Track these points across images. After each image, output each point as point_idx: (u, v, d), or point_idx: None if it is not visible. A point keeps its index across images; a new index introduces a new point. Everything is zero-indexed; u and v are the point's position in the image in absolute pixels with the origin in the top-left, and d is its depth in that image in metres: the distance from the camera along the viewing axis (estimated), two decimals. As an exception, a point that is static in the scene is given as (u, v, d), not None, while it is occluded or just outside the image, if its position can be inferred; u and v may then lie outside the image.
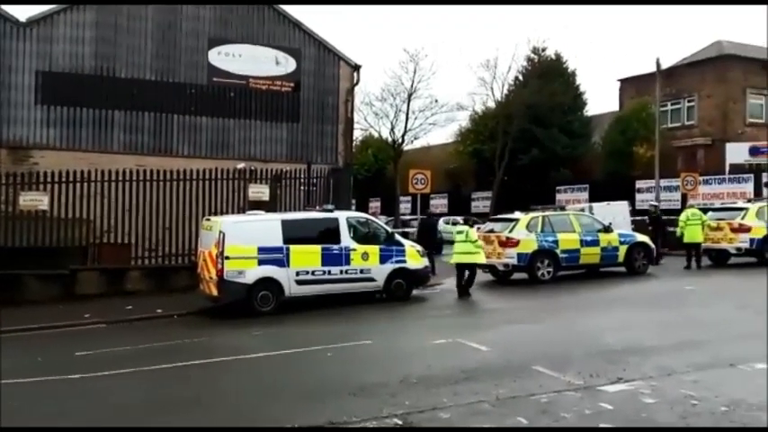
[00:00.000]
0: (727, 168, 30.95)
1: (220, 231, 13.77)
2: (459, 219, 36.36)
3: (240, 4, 21.54)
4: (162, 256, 17.87)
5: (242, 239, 13.86)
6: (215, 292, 13.89)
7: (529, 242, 17.20)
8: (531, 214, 18.00)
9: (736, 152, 31.51)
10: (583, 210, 22.56)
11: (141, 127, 20.55)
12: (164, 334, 12.30)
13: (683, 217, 19.82)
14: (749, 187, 28.26)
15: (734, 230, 19.13)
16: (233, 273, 13.66)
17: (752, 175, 28.91)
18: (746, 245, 18.98)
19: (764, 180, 27.19)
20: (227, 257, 13.63)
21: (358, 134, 40.68)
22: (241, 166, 19.09)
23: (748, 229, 18.93)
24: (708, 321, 11.36)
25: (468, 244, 15.64)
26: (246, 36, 21.61)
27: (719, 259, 19.91)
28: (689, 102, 37.36)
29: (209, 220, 15.05)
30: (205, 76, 21.13)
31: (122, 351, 10.77)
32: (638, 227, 22.18)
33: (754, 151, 31.27)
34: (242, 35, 21.56)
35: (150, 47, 20.60)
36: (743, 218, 19.21)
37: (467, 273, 15.74)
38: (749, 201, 21.83)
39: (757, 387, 7.10)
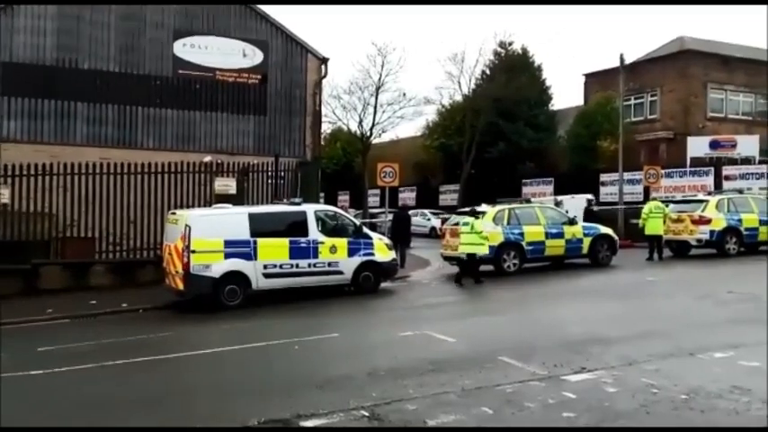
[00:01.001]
0: (689, 162, 31.53)
1: (186, 225, 13.66)
2: (428, 212, 36.83)
3: (208, 4, 21.25)
4: (127, 250, 17.66)
5: (208, 233, 13.76)
6: (181, 287, 13.78)
7: (495, 235, 17.37)
8: (498, 207, 18.18)
9: (697, 146, 32.10)
10: (558, 203, 22.83)
11: (105, 119, 20.20)
12: (129, 329, 12.17)
13: (645, 209, 20.19)
14: (709, 180, 28.86)
15: (694, 222, 19.57)
16: (199, 266, 13.57)
17: (712, 169, 29.52)
18: (707, 236, 19.44)
19: None
20: (194, 251, 13.53)
21: (326, 127, 40.56)
22: (207, 159, 18.91)
23: (708, 221, 19.38)
24: (668, 312, 11.63)
25: (473, 235, 16.01)
26: (213, 28, 21.35)
27: (681, 251, 20.36)
28: (651, 96, 38.00)
29: (174, 213, 14.91)
30: (170, 67, 20.84)
31: (86, 346, 10.64)
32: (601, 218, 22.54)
33: (714, 145, 31.88)
34: (208, 27, 21.30)
35: (114, 38, 20.23)
36: (703, 210, 19.66)
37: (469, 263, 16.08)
38: (709, 193, 22.31)
39: (715, 375, 7.30)
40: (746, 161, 30.43)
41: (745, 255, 19.28)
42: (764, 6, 32.47)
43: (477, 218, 16.47)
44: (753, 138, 32.20)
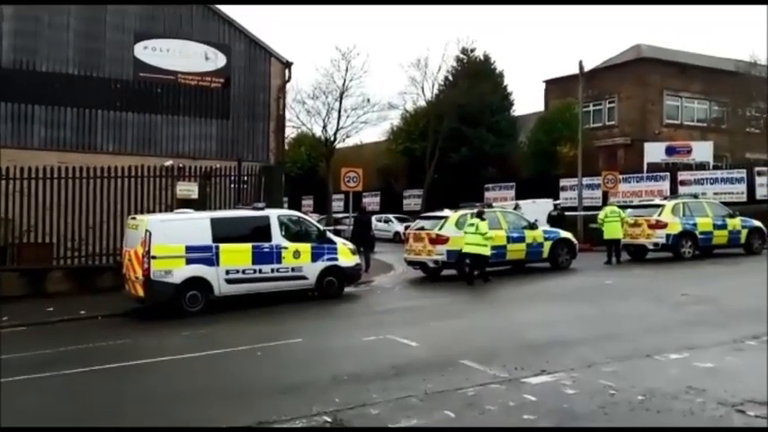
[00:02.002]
0: (646, 167, 32.22)
1: (146, 230, 13.49)
2: (392, 216, 36.94)
3: (172, 4, 21.02)
4: (85, 255, 17.36)
5: (169, 238, 13.61)
6: (141, 293, 13.60)
7: (458, 239, 17.52)
8: (460, 212, 18.35)
9: (654, 152, 32.83)
10: (516, 207, 23.08)
11: (63, 122, 19.82)
12: (87, 336, 11.94)
13: (601, 214, 20.59)
14: (666, 185, 29.54)
15: (651, 227, 20.02)
16: (160, 272, 13.41)
17: (668, 174, 30.24)
18: (663, 240, 19.91)
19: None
20: (154, 257, 13.37)
21: (290, 132, 40.43)
22: (169, 163, 18.72)
23: (664, 225, 19.86)
24: (626, 314, 11.86)
25: (477, 236, 16.37)
26: (174, 31, 21.13)
27: (638, 254, 20.79)
28: (610, 103, 38.74)
29: (134, 218, 14.72)
30: (131, 70, 20.56)
31: (43, 355, 10.42)
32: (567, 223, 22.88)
33: (670, 151, 32.68)
34: (170, 30, 21.07)
35: (73, 40, 19.86)
36: (659, 215, 20.13)
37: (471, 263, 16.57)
38: (665, 198, 22.84)
39: (671, 376, 7.47)
40: (701, 167, 31.23)
41: (700, 258, 19.79)
42: (764, 6, 33.30)
43: (482, 219, 16.69)
44: (707, 144, 33.09)
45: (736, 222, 20.57)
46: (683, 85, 37.84)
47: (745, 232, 20.58)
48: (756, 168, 29.06)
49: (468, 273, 16.68)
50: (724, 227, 20.39)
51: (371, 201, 44.57)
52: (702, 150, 32.32)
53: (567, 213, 25.74)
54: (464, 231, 16.84)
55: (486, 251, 16.52)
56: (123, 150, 20.09)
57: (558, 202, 25.85)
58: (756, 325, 9.88)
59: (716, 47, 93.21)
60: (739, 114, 34.83)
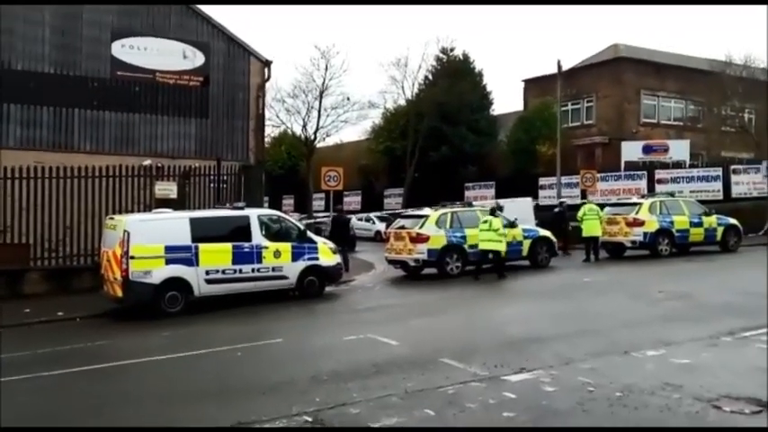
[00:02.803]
0: (623, 165, 32.55)
1: (125, 230, 13.38)
2: (372, 216, 36.94)
3: (150, 4, 20.83)
4: (63, 256, 17.15)
5: (148, 238, 13.51)
6: (120, 294, 13.49)
7: (438, 238, 17.60)
8: (441, 210, 18.41)
9: (631, 150, 33.18)
10: (501, 207, 23.17)
11: (40, 122, 19.55)
12: (65, 338, 11.82)
13: (580, 213, 20.80)
14: (643, 183, 29.87)
15: (629, 224, 20.25)
16: (139, 273, 13.31)
17: (645, 172, 30.59)
18: (640, 238, 20.15)
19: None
20: (133, 257, 13.27)
21: (270, 131, 40.30)
22: (147, 162, 18.56)
23: (642, 224, 20.09)
24: (604, 311, 11.99)
25: (491, 233, 16.77)
26: (152, 29, 20.94)
27: (616, 252, 21.02)
28: (588, 102, 39.07)
29: (112, 218, 14.59)
30: (108, 69, 20.33)
31: (20, 357, 10.30)
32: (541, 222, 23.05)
33: (647, 150, 33.05)
34: (148, 28, 20.87)
35: (49, 38, 19.59)
36: (637, 213, 20.36)
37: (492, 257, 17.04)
38: (643, 196, 23.09)
39: (648, 372, 7.56)
40: (678, 165, 31.65)
41: (677, 255, 20.05)
42: (764, 6, 33.66)
43: (495, 216, 17.12)
44: (684, 142, 33.52)
45: (712, 220, 20.86)
46: (660, 85, 38.25)
47: (720, 230, 20.88)
48: (732, 167, 29.51)
49: (476, 268, 17.14)
50: (700, 225, 20.67)
51: (352, 200, 44.56)
52: (679, 149, 32.74)
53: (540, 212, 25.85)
54: (479, 229, 17.19)
55: (502, 246, 16.95)
56: (101, 150, 19.88)
57: (562, 199, 25.91)
58: (731, 321, 10.05)
59: (691, 46, 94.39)
60: (715, 113, 35.29)
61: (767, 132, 27.06)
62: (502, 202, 24.60)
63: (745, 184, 28.54)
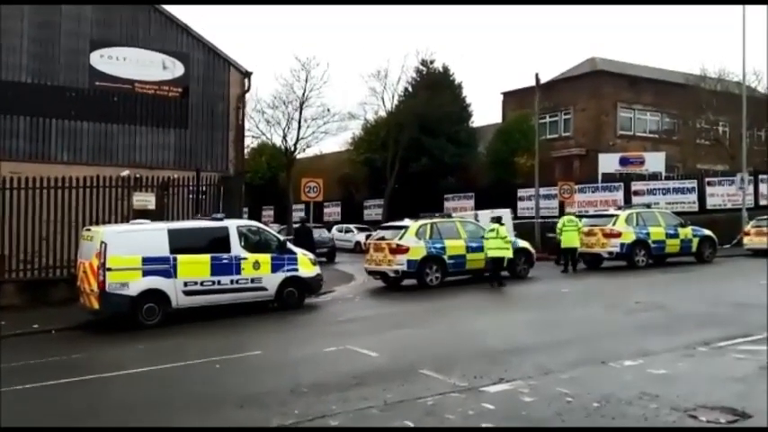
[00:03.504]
0: (600, 177, 32.90)
1: (102, 242, 13.26)
2: (352, 227, 36.93)
3: (127, 4, 20.72)
4: (39, 268, 16.90)
5: (125, 250, 13.39)
6: (96, 306, 13.34)
7: (418, 249, 17.65)
8: (420, 222, 18.47)
9: (608, 162, 33.56)
10: (476, 217, 23.36)
11: (16, 132, 19.31)
12: (40, 350, 11.64)
13: (559, 224, 20.97)
14: (620, 195, 30.23)
15: (606, 236, 20.45)
16: (116, 285, 13.18)
17: (622, 184, 30.95)
18: (617, 249, 20.38)
19: None
20: (110, 269, 13.15)
21: (250, 141, 40.14)
22: (125, 173, 18.40)
23: (619, 235, 20.31)
24: (582, 322, 12.08)
25: (498, 240, 17.38)
26: (131, 39, 20.82)
27: (593, 263, 21.20)
28: (565, 114, 39.52)
29: (89, 230, 14.44)
30: (87, 79, 20.17)
31: (-8, 370, 10.12)
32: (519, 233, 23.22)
33: (623, 162, 33.45)
34: (126, 38, 20.76)
35: (27, 47, 19.41)
36: (614, 224, 20.58)
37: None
38: (620, 208, 23.35)
39: (626, 382, 7.61)
40: (654, 177, 32.07)
41: (653, 266, 20.29)
42: (765, 6, 34.07)
43: (501, 224, 17.95)
44: (659, 154, 33.98)
45: (687, 231, 21.15)
46: (636, 98, 38.80)
47: (696, 241, 21.17)
48: (707, 179, 29.97)
49: (496, 274, 17.58)
50: (676, 236, 20.95)
51: (332, 210, 44.53)
52: (655, 161, 33.18)
53: (519, 222, 25.96)
54: (485, 237, 17.80)
55: (510, 253, 17.69)
56: (78, 160, 19.66)
57: (573, 210, 25.96)
58: (707, 331, 10.16)
59: (667, 60, 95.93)
60: (690, 126, 35.86)
61: (741, 145, 27.50)
62: (481, 213, 24.80)
63: (720, 195, 29.04)
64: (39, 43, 19.59)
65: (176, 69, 21.44)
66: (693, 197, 29.29)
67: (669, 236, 20.86)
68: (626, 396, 7.07)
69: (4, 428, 6.62)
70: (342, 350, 10.28)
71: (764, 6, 32.94)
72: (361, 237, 33.37)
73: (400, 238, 17.87)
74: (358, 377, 8.37)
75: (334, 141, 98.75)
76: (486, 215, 23.99)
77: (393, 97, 40.50)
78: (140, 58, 20.85)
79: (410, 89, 41.14)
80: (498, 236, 17.37)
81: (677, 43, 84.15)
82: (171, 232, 13.99)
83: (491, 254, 17.52)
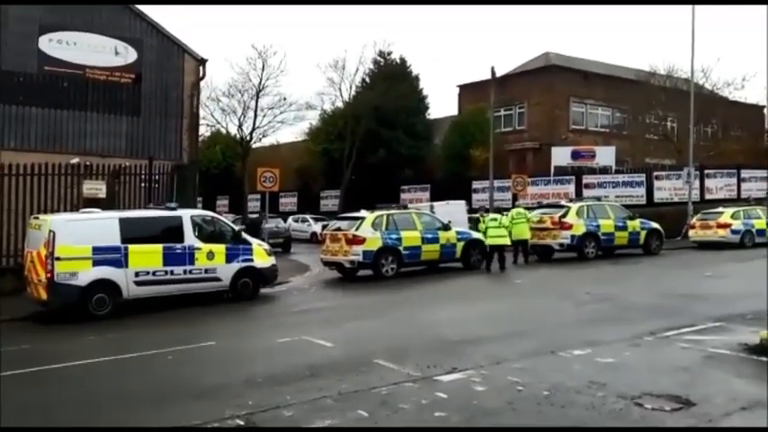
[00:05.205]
0: (553, 170, 33.44)
1: (50, 230, 12.96)
2: (308, 217, 36.77)
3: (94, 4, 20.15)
4: (-17, 257, 16.42)
5: (75, 239, 13.12)
6: (44, 296, 13.05)
7: (374, 240, 17.70)
8: (377, 213, 18.53)
9: (561, 156, 34.13)
10: (431, 208, 23.53)
11: (-40, 117, 18.66)
12: (-16, 342, 11.32)
13: (508, 217, 21.23)
14: (571, 188, 30.80)
15: (554, 223, 20.94)
16: (64, 275, 12.91)
17: (573, 177, 31.54)
18: (568, 241, 20.81)
19: None
20: (58, 258, 12.87)
21: (205, 130, 39.60)
22: (75, 160, 17.97)
23: (570, 227, 20.72)
24: (533, 312, 12.35)
25: (501, 229, 18.83)
26: (82, 24, 20.24)
27: (545, 254, 21.60)
28: (520, 108, 39.99)
29: (37, 218, 14.10)
30: (35, 63, 19.54)
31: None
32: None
33: (575, 155, 34.06)
34: (77, 23, 20.16)
35: (-29, 30, 18.72)
36: (565, 216, 20.98)
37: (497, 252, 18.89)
38: (571, 200, 23.82)
39: (575, 372, 7.80)
40: (604, 170, 32.77)
41: (603, 258, 20.77)
42: (764, 6, 34.66)
43: (502, 215, 19.39)
44: (610, 149, 34.70)
45: (635, 224, 21.71)
46: (588, 93, 39.47)
47: (644, 233, 21.74)
48: (655, 173, 30.75)
49: (489, 261, 18.77)
50: (625, 228, 21.48)
51: (288, 201, 44.26)
52: (605, 155, 33.88)
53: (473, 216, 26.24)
54: (486, 227, 19.09)
55: (508, 241, 19.04)
56: (26, 147, 19.07)
57: (526, 203, 26.40)
58: (654, 321, 10.48)
59: (618, 56, 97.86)
60: (639, 121, 36.68)
61: (688, 140, 28.30)
62: (436, 204, 24.98)
63: (667, 189, 29.84)
64: (-16, 26, 18.89)
65: (129, 55, 20.96)
66: (642, 191, 30.03)
67: (618, 228, 21.38)
68: (575, 385, 7.23)
69: (3, 428, 6.44)
70: (297, 341, 10.27)
71: (764, 6, 33.66)
72: (317, 227, 33.27)
73: (356, 229, 17.89)
74: (313, 368, 8.38)
75: (290, 131, 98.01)
76: (441, 206, 24.19)
77: (351, 88, 40.50)
78: (92, 43, 20.31)
79: (368, 80, 41.11)
80: (500, 225, 18.79)
81: (629, 40, 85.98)
82: (122, 221, 13.75)
83: (490, 242, 18.76)
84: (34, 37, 19.50)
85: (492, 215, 19.51)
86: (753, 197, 28.22)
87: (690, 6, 27.13)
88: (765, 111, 41.56)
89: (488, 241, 18.91)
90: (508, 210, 22.38)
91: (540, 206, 24.09)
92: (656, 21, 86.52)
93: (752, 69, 73.06)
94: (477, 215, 21.33)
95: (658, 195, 29.82)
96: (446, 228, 19.03)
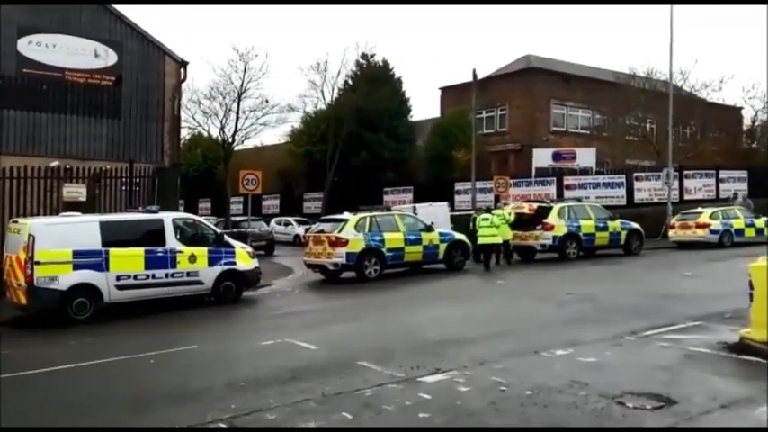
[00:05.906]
0: (534, 172, 33.63)
1: (30, 234, 12.82)
2: (291, 219, 36.67)
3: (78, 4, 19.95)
4: (-39, 262, 16.18)
5: (55, 243, 12.99)
6: (24, 301, 12.92)
7: (357, 242, 17.71)
8: (360, 215, 18.54)
9: (542, 157, 34.33)
10: (414, 210, 23.57)
11: (-64, 120, 18.40)
12: (-38, 348, 11.16)
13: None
14: (553, 189, 31.00)
15: (531, 212, 21.31)
16: (44, 279, 12.79)
17: (555, 178, 31.75)
18: (550, 242, 20.97)
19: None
20: (38, 262, 12.74)
21: (186, 133, 39.32)
22: (55, 164, 17.82)
23: (551, 228, 20.90)
24: (516, 313, 12.40)
25: (492, 228, 19.27)
26: (62, 26, 20.04)
27: (527, 255, 21.73)
28: (501, 110, 40.19)
29: (16, 222, 13.96)
30: (14, 66, 19.31)
31: None
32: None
33: (556, 157, 34.27)
34: (57, 25, 19.97)
35: (-53, 32, 18.47)
36: (546, 217, 21.11)
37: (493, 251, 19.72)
38: (552, 201, 23.98)
39: (557, 371, 7.85)
40: (585, 172, 32.99)
41: (584, 258, 20.94)
42: (764, 6, 34.97)
43: (492, 215, 19.78)
44: (590, 150, 34.96)
45: (616, 225, 21.91)
46: (569, 95, 39.75)
47: (624, 234, 21.95)
48: (635, 174, 31.03)
49: (487, 261, 19.21)
50: (605, 229, 21.68)
51: (271, 203, 44.09)
52: (586, 156, 34.12)
53: (456, 214, 26.42)
54: (478, 226, 19.46)
55: (499, 240, 19.53)
56: (5, 150, 18.84)
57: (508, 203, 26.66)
58: (634, 321, 10.57)
59: (598, 58, 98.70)
60: (619, 123, 36.99)
61: (667, 142, 28.60)
62: (419, 206, 25.03)
63: (647, 190, 30.13)
64: (-39, 28, 18.65)
65: (109, 58, 20.80)
66: (622, 192, 30.29)
67: (599, 229, 21.57)
68: (557, 384, 7.27)
69: (3, 428, 6.35)
70: (280, 343, 10.25)
71: (764, 6, 33.99)
72: (300, 230, 33.21)
73: (339, 231, 17.89)
74: (296, 370, 8.36)
75: (273, 134, 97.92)
76: (424, 208, 24.23)
77: (333, 90, 40.44)
78: (71, 46, 20.13)
79: (350, 82, 41.09)
80: (492, 224, 19.16)
81: (608, 42, 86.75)
82: (103, 225, 13.65)
83: (481, 241, 19.24)
84: (13, 39, 19.30)
85: (483, 215, 19.89)
86: (738, 191, 28.57)
87: (668, 6, 27.40)
88: (743, 112, 42.14)
89: (480, 240, 19.29)
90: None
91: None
92: (635, 22, 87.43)
93: (729, 71, 74.11)
94: (474, 214, 21.85)
95: (638, 196, 30.10)
96: (429, 229, 19.09)
